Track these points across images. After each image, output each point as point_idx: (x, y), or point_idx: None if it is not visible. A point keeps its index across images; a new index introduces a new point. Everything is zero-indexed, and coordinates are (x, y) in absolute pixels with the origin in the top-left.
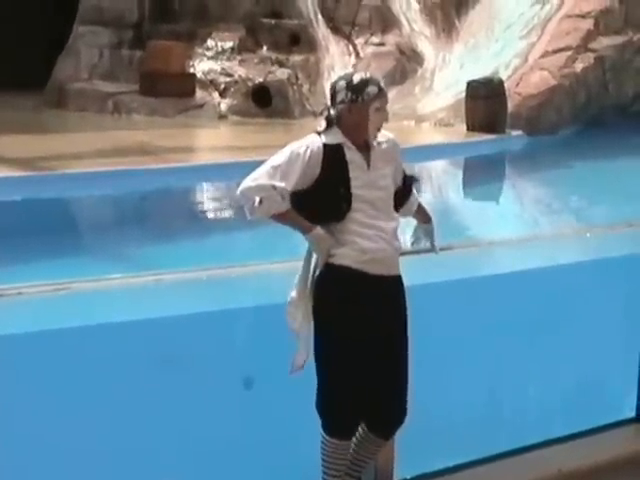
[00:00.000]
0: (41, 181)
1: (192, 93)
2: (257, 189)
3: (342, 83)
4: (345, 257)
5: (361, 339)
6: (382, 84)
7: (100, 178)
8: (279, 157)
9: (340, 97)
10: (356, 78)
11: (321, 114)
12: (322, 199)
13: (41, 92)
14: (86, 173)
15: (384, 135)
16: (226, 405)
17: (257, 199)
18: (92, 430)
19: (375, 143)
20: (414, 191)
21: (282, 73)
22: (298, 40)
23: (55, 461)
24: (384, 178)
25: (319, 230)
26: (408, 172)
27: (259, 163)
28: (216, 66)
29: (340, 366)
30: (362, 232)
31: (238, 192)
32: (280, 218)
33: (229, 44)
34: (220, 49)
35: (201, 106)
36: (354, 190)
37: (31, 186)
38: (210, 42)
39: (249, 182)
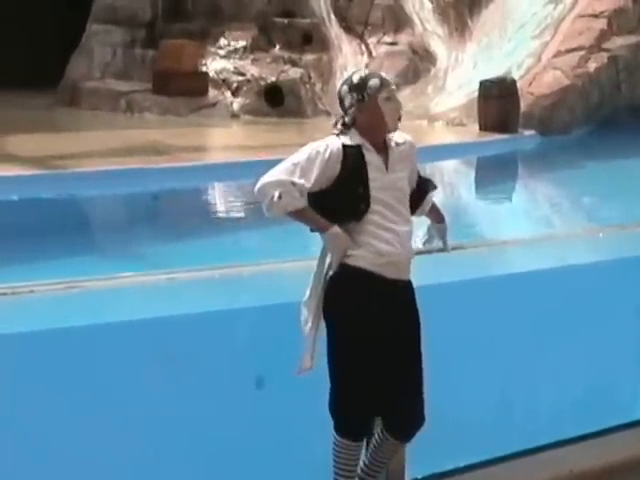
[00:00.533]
0: (53, 180)
1: (205, 92)
2: (276, 184)
3: (345, 88)
4: (361, 259)
5: (374, 341)
6: (384, 75)
7: (112, 177)
8: (299, 155)
9: (348, 102)
10: (355, 78)
11: (336, 124)
12: (340, 199)
13: (54, 91)
14: (98, 172)
15: (402, 136)
16: (238, 405)
17: (276, 194)
18: (101, 430)
19: (393, 144)
20: (429, 194)
21: (295, 72)
22: (311, 39)
23: (62, 461)
24: (401, 180)
25: (337, 229)
26: (422, 174)
27: (271, 162)
28: (229, 65)
29: (352, 366)
30: (379, 234)
31: (256, 188)
32: (298, 215)
33: (242, 43)
34: (233, 48)
35: (213, 105)
36: (372, 192)
37: (44, 184)
38: (223, 41)
39: (268, 178)
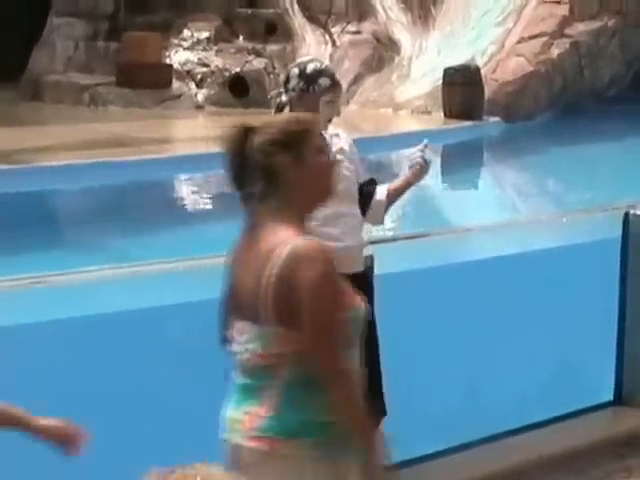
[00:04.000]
0: (16, 174)
1: (169, 84)
2: None
3: (296, 70)
4: None
5: None
6: (337, 77)
7: (76, 171)
8: None
9: (292, 84)
10: (310, 67)
11: (272, 98)
12: None
13: (17, 85)
14: (62, 166)
15: (335, 130)
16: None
17: None
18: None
19: (327, 135)
20: (376, 196)
21: (259, 63)
22: (274, 29)
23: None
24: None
25: None
26: (363, 175)
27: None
28: (192, 56)
29: None
30: (327, 224)
31: None
32: None
33: (205, 34)
34: (196, 39)
35: (178, 97)
36: None
37: (7, 179)
38: (186, 32)
39: None
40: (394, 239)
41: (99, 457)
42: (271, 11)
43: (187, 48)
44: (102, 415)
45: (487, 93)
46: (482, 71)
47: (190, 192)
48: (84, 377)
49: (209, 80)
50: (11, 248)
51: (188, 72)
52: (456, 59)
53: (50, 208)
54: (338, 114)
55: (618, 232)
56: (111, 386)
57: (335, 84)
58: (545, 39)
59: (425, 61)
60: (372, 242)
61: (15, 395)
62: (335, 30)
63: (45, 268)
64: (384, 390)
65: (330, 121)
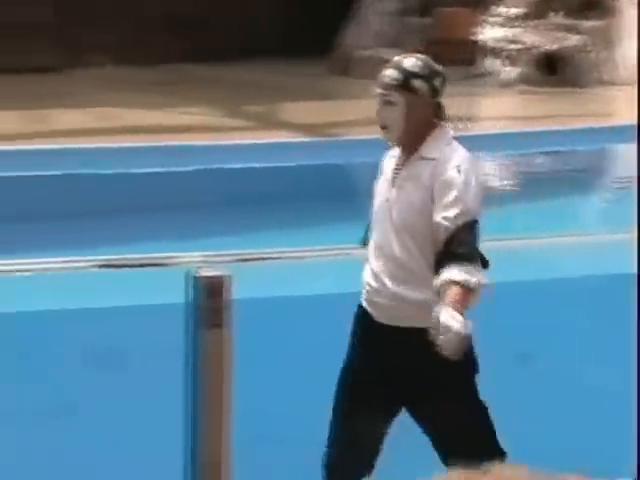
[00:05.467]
0: (324, 147)
1: (474, 61)
2: None
3: (413, 71)
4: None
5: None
6: (386, 71)
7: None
8: None
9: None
10: (421, 62)
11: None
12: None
13: (326, 60)
14: (366, 140)
15: (439, 150)
16: None
17: None
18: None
19: (418, 156)
20: (444, 274)
21: (573, 40)
22: (593, 5)
23: None
24: (404, 202)
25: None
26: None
27: (543, 134)
28: (504, 33)
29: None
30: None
31: None
32: None
33: (519, 10)
34: (510, 16)
35: (485, 74)
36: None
37: (315, 151)
38: (499, 9)
39: None
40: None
41: None
42: None
43: (499, 24)
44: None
45: None
46: None
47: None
48: None
49: (518, 57)
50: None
51: (497, 49)
52: None
53: (355, 180)
54: (381, 113)
55: None
56: None
57: (379, 77)
58: None
59: None
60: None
61: None
62: None
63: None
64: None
65: (382, 128)
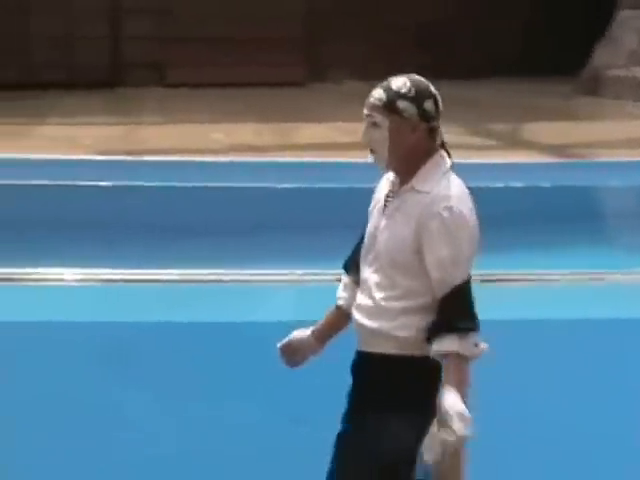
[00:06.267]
0: (569, 168)
1: None
2: None
3: (398, 93)
4: None
5: None
6: (373, 91)
7: (630, 168)
8: None
9: (404, 109)
10: (408, 85)
11: None
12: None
13: (574, 79)
14: (615, 162)
15: (430, 185)
16: None
17: None
18: None
19: (409, 186)
20: (434, 345)
21: None
22: None
23: None
24: (393, 236)
25: None
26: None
27: None
28: None
29: None
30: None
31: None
32: None
33: None
34: None
35: None
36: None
37: (559, 173)
38: None
39: None
40: None
41: None
42: None
43: None
44: None
45: None
46: None
47: None
48: None
49: None
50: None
51: None
52: None
53: (606, 203)
54: (375, 141)
55: None
56: None
57: (368, 100)
58: None
59: None
60: None
61: None
62: None
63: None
64: None
65: (371, 151)
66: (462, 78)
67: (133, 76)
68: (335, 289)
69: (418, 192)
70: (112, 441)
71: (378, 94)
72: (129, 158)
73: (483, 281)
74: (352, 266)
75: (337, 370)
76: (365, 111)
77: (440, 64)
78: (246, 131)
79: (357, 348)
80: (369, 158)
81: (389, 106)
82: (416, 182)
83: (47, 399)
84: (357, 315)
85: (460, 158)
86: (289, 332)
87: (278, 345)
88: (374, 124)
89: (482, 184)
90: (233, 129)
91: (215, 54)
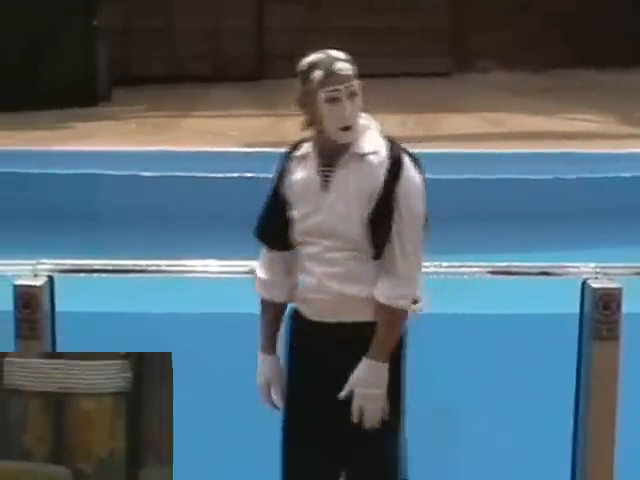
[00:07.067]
0: None
1: None
2: None
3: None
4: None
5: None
6: (339, 65)
7: None
8: None
9: (297, 88)
10: (306, 59)
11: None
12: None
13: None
14: None
15: (375, 144)
16: None
17: None
18: None
19: (351, 153)
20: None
21: None
22: None
23: None
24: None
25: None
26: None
27: None
28: None
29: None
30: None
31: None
32: None
33: None
34: None
35: None
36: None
37: None
38: None
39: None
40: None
41: None
42: None
43: None
44: None
45: None
46: None
47: None
48: None
49: None
50: None
51: None
52: None
53: None
54: (353, 115)
55: None
56: None
57: (332, 72)
58: None
59: None
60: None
61: None
62: None
63: None
64: None
65: (346, 129)
66: (617, 66)
67: (278, 68)
68: None
69: (362, 154)
70: None
71: (346, 65)
72: (276, 150)
73: (635, 274)
74: (276, 240)
75: None
76: (342, 85)
77: (590, 53)
78: (390, 122)
79: (309, 319)
80: (342, 138)
81: (355, 72)
82: (357, 146)
83: None
84: (326, 283)
85: (614, 148)
86: None
87: (264, 402)
88: (352, 93)
89: (629, 174)
90: (377, 120)
91: (359, 45)
